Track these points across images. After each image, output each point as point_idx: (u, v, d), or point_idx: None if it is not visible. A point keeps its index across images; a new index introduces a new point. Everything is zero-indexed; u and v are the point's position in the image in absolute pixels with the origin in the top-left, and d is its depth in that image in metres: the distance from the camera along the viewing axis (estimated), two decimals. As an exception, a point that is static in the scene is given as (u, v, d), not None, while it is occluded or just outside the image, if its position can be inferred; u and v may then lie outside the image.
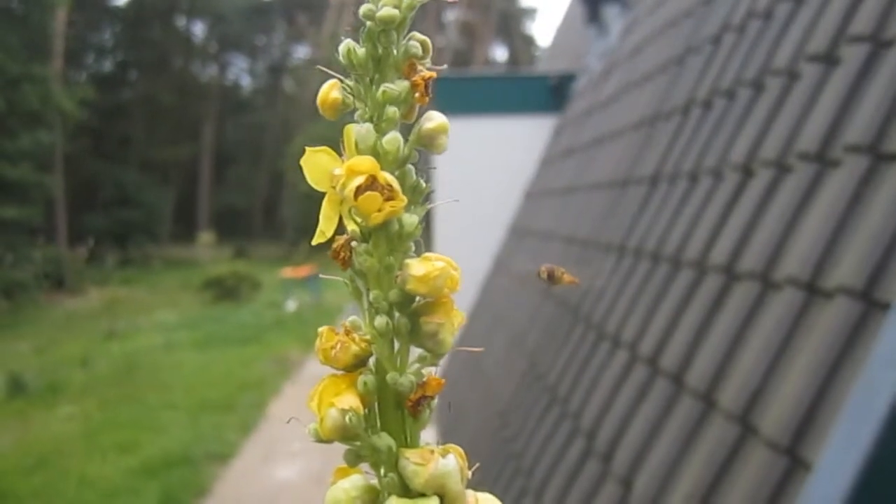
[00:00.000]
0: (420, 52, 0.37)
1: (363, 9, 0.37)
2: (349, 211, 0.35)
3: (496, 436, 3.13)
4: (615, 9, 4.85)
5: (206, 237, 23.48)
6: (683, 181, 2.26)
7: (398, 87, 0.36)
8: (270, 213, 29.79)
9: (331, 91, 0.37)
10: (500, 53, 36.57)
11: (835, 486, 1.06)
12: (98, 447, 6.73)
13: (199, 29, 30.86)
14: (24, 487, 5.95)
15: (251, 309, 14.35)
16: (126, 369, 9.59)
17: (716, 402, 1.51)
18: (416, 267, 0.34)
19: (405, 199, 0.34)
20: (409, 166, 0.36)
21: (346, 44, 0.37)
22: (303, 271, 15.93)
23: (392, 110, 0.35)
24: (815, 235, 1.42)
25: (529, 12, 38.47)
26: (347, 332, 0.35)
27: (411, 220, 0.35)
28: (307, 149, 0.37)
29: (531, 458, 2.49)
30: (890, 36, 1.50)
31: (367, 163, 0.34)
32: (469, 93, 5.95)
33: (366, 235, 0.35)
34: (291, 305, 14.36)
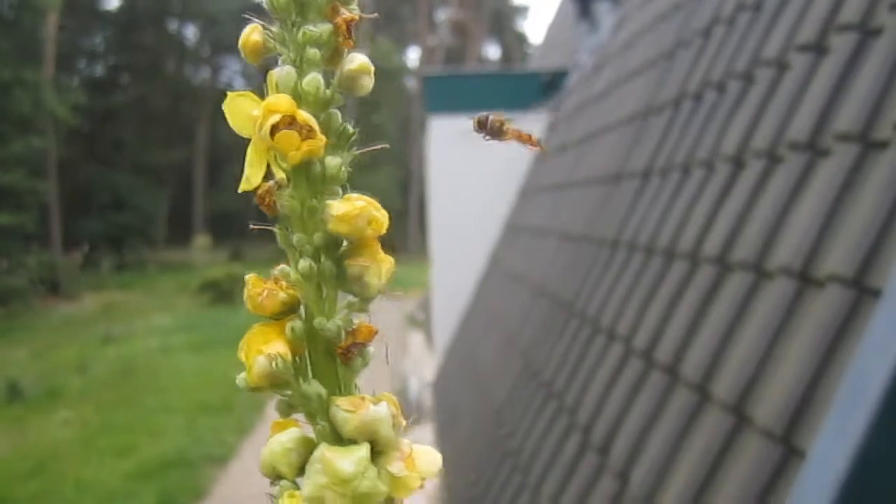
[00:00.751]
0: None
1: None
2: (274, 157, 0.34)
3: (493, 434, 3.12)
4: (606, 4, 4.86)
5: (201, 240, 23.46)
6: (676, 174, 2.26)
7: (320, 28, 0.35)
8: (265, 215, 29.69)
9: (252, 34, 0.37)
10: (492, 51, 36.60)
11: (829, 473, 1.06)
12: (95, 451, 6.72)
13: (191, 32, 30.83)
14: (22, 492, 5.94)
15: (247, 311, 14.31)
16: (123, 373, 9.58)
17: (710, 393, 1.51)
18: (337, 207, 0.34)
19: (325, 138, 0.33)
20: (334, 110, 0.35)
21: None
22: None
23: (313, 52, 0.35)
24: (807, 224, 1.42)
25: (521, 10, 38.52)
26: (276, 280, 0.35)
27: (334, 161, 0.35)
28: (228, 94, 0.35)
29: (528, 455, 2.49)
30: (878, 24, 1.50)
31: (284, 101, 0.33)
32: (462, 90, 5.94)
33: (289, 179, 0.35)
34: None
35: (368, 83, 0.36)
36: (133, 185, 25.20)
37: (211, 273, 16.86)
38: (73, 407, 8.26)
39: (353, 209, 0.34)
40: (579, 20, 5.32)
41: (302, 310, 0.35)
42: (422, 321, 11.45)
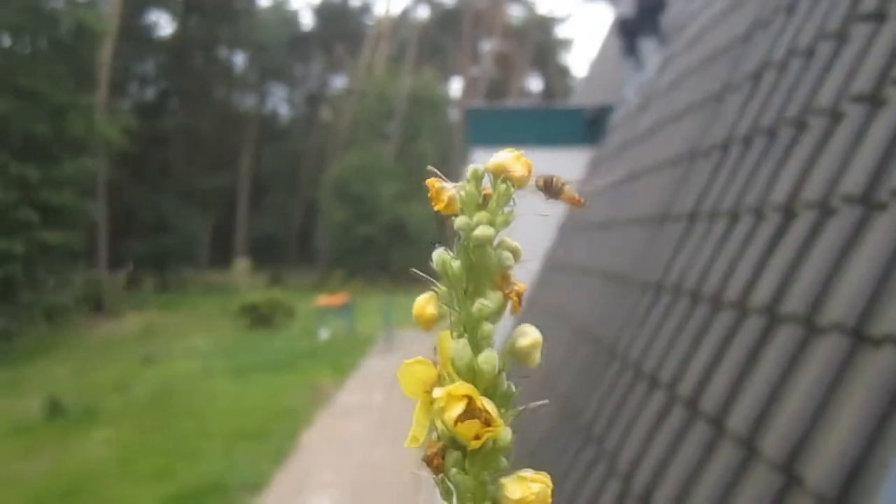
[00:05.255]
0: (513, 262, 0.38)
1: (459, 221, 0.38)
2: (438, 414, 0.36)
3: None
4: (652, 43, 4.85)
5: (242, 263, 23.73)
6: (723, 220, 2.23)
7: (492, 301, 0.37)
8: (305, 241, 30.08)
9: (427, 306, 0.39)
10: (535, 84, 36.75)
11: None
12: (133, 473, 6.79)
13: (239, 59, 31.50)
14: (59, 512, 6.01)
15: (285, 336, 14.43)
16: (161, 395, 9.68)
17: (758, 449, 1.48)
18: (513, 489, 0.36)
19: (502, 423, 0.35)
20: (503, 374, 0.37)
21: (440, 255, 0.39)
22: (338, 299, 16.02)
23: (488, 328, 0.37)
24: (862, 280, 1.39)
25: (565, 43, 38.69)
26: None
27: (507, 436, 0.36)
28: (404, 361, 0.37)
29: (565, 500, 2.45)
30: (937, 78, 1.48)
31: (464, 389, 0.34)
32: (504, 124, 5.97)
33: (457, 445, 0.36)
34: (325, 334, 14.41)
35: (538, 356, 0.38)
36: (178, 207, 25.68)
37: (251, 297, 17.03)
38: (113, 427, 8.36)
39: (530, 496, 0.36)
40: (625, 57, 5.32)
41: None
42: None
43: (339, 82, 34.63)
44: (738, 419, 1.59)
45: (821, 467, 1.26)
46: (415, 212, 24.72)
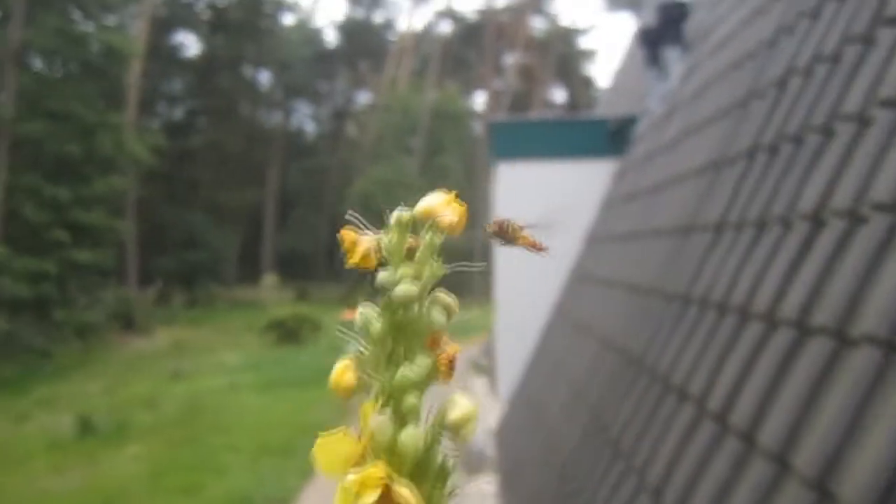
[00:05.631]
0: (445, 320, 0.34)
1: (381, 277, 0.34)
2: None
3: (559, 489, 3.05)
4: (675, 51, 4.82)
5: (269, 279, 23.91)
6: (750, 229, 2.19)
7: (418, 368, 0.33)
8: (332, 256, 30.24)
9: (344, 373, 0.35)
10: (559, 95, 36.72)
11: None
12: (163, 488, 6.84)
13: (265, 77, 31.88)
14: (91, 528, 6.06)
15: (312, 351, 14.49)
16: (190, 410, 9.76)
17: (790, 464, 1.44)
18: None
19: None
20: (435, 449, 0.33)
21: (365, 312, 0.35)
22: (363, 314, 16.04)
23: (412, 402, 0.33)
24: (893, 291, 1.35)
25: (588, 54, 38.66)
26: None
27: None
28: (320, 436, 0.34)
29: (594, 515, 2.41)
30: (969, 81, 1.44)
31: (379, 473, 0.31)
32: (527, 137, 5.96)
33: None
34: (352, 348, 14.44)
35: (474, 429, 0.34)
36: (206, 224, 25.97)
37: (278, 312, 17.14)
38: (142, 442, 8.44)
39: None
40: (648, 66, 5.28)
41: None
42: (485, 366, 11.35)
43: (363, 98, 34.92)
44: (769, 434, 1.55)
45: (855, 483, 1.22)
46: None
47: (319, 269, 30.50)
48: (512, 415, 5.32)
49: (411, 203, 0.36)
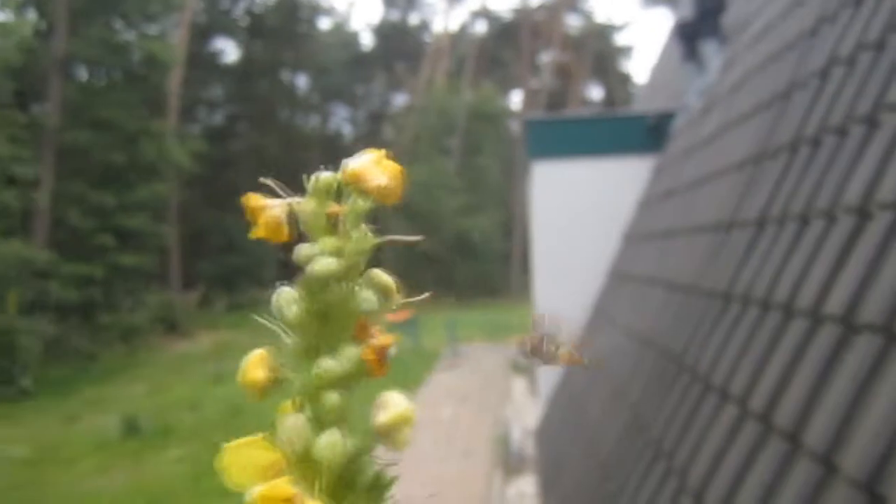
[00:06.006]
0: (376, 305, 0.28)
1: (298, 251, 0.28)
2: None
3: (599, 489, 3.01)
4: (713, 45, 4.73)
5: (308, 281, 24.10)
6: (793, 224, 2.13)
7: (343, 361, 0.27)
8: (370, 257, 30.35)
9: (256, 367, 0.29)
10: (596, 93, 36.42)
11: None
12: (205, 490, 6.92)
13: (302, 81, 32.14)
14: (136, 528, 6.16)
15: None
16: (231, 412, 9.86)
17: (838, 466, 1.39)
18: None
19: None
20: (365, 458, 0.28)
21: (281, 295, 0.27)
22: (401, 315, 16.07)
23: (333, 401, 0.27)
24: (946, 284, 1.30)
25: (625, 51, 38.25)
26: None
27: None
28: (230, 444, 0.28)
29: (635, 517, 2.37)
30: None
31: (285, 489, 0.26)
32: (565, 135, 5.90)
33: None
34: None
35: (408, 435, 0.28)
36: (246, 228, 26.23)
37: (318, 314, 17.25)
38: (185, 444, 8.55)
39: None
40: (685, 61, 5.20)
41: None
42: (525, 366, 11.30)
43: (400, 100, 35.00)
44: (815, 434, 1.50)
45: (907, 486, 1.17)
46: (478, 226, 24.72)
47: (358, 270, 30.65)
48: (552, 415, 5.28)
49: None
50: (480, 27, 35.24)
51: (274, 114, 30.66)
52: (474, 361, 13.24)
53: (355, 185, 0.29)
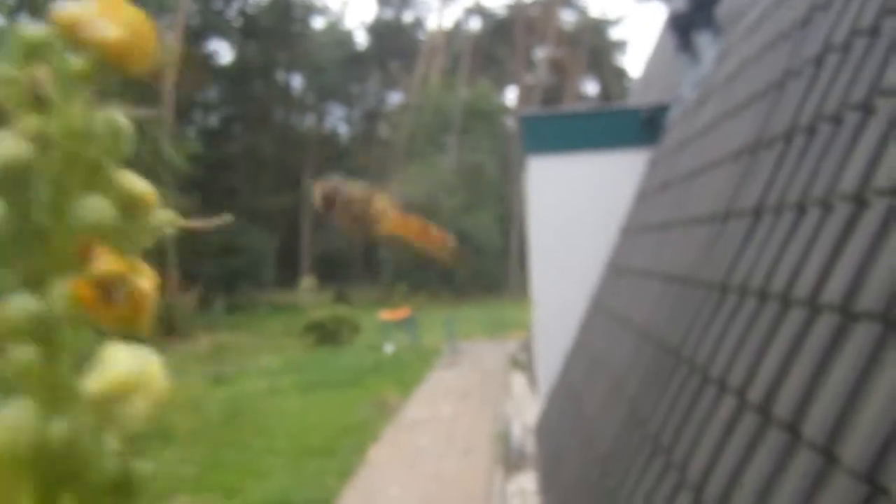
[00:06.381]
0: (108, 220, 0.19)
1: None
2: None
3: (598, 485, 2.99)
4: (707, 36, 4.71)
5: (307, 282, 24.07)
6: (790, 213, 2.11)
7: (45, 300, 0.19)
8: (368, 257, 30.38)
9: None
10: (591, 88, 36.40)
11: None
12: (206, 490, 6.91)
13: (297, 81, 32.10)
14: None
15: (351, 352, 14.55)
16: (232, 413, 9.86)
17: (838, 456, 1.37)
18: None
19: None
20: (94, 441, 0.22)
21: None
22: (400, 313, 16.09)
23: (24, 358, 0.19)
24: (944, 270, 1.28)
25: (620, 45, 38.18)
26: None
27: None
28: None
29: (635, 512, 2.35)
30: None
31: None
32: (560, 130, 5.88)
33: None
34: (389, 348, 14.48)
35: (142, 408, 0.20)
36: (244, 229, 26.23)
37: (316, 314, 17.23)
38: (186, 444, 8.54)
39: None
40: (679, 53, 5.17)
41: None
42: (524, 362, 11.29)
43: (395, 98, 34.98)
44: (815, 425, 1.49)
45: (908, 475, 1.15)
46: (477, 223, 24.69)
47: (357, 270, 30.66)
48: (551, 410, 5.26)
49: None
50: (475, 24, 35.21)
51: (269, 114, 30.63)
52: (474, 358, 13.23)
53: (70, 39, 0.21)
